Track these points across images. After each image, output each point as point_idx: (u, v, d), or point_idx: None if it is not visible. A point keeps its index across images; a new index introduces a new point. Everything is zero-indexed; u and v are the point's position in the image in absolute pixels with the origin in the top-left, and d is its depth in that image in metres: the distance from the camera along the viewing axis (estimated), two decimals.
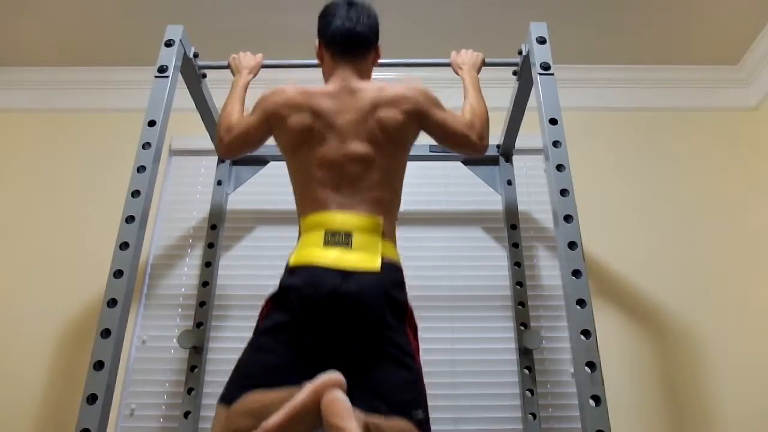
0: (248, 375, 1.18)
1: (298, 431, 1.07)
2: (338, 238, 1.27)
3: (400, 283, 1.30)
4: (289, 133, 1.41)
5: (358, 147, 1.36)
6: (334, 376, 1.10)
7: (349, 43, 1.46)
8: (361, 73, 1.48)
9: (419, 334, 1.35)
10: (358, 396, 1.12)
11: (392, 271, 1.29)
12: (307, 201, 1.37)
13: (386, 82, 1.45)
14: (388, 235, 1.34)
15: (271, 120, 1.44)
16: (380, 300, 1.23)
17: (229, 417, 1.13)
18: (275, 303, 1.27)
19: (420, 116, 1.44)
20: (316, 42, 1.53)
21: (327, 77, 1.51)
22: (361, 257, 1.25)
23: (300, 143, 1.39)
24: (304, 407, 1.06)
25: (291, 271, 1.27)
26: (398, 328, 1.25)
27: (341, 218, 1.30)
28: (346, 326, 1.20)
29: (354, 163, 1.35)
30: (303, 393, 1.07)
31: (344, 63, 1.47)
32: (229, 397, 1.15)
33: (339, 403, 1.05)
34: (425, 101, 1.45)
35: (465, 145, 1.51)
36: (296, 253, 1.30)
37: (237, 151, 1.54)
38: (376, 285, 1.24)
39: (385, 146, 1.39)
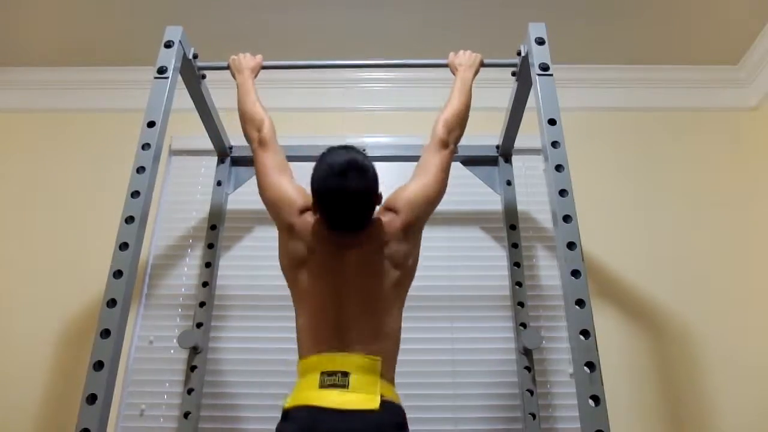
0: None
1: None
2: (335, 379, 1.23)
3: (401, 425, 1.25)
4: (288, 255, 1.41)
5: (358, 286, 1.33)
6: None
7: (347, 227, 1.36)
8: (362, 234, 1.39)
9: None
10: None
11: (393, 411, 1.25)
12: (305, 341, 1.33)
13: (380, 211, 1.42)
14: (386, 375, 1.30)
15: (275, 219, 1.46)
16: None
17: None
18: None
19: (420, 222, 1.45)
20: (309, 191, 1.38)
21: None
22: (360, 397, 1.21)
23: (295, 267, 1.38)
24: None
25: (286, 414, 1.23)
26: None
27: (337, 359, 1.26)
28: None
29: (352, 302, 1.32)
30: None
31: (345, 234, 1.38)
32: None
33: None
34: (418, 210, 1.43)
35: (441, 174, 1.51)
36: (291, 396, 1.26)
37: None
38: (377, 425, 1.20)
39: (388, 281, 1.36)
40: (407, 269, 1.42)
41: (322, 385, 1.22)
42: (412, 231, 1.43)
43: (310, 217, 1.40)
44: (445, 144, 1.54)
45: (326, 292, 1.33)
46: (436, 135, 1.55)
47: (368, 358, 1.27)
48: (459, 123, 1.58)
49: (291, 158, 1.64)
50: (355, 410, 1.19)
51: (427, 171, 1.50)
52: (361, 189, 1.31)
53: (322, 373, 1.24)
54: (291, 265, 1.40)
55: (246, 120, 1.60)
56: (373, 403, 1.21)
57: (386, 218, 1.41)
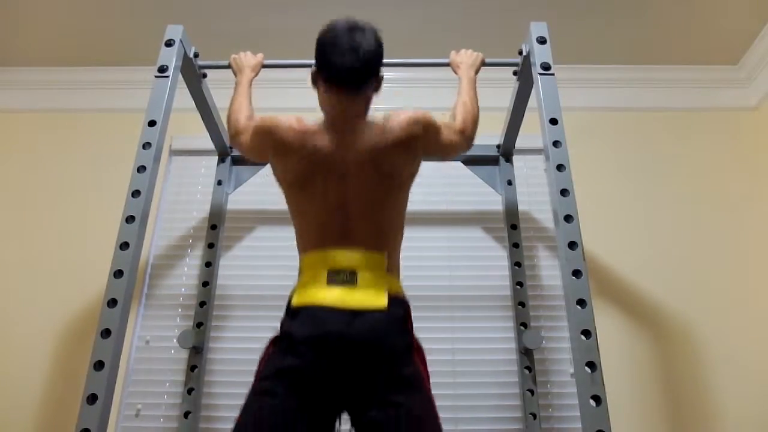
0: (254, 424, 1.16)
1: None
2: (342, 277, 1.24)
3: (407, 318, 1.28)
4: (284, 172, 1.39)
5: (360, 187, 1.33)
6: None
7: (347, 81, 1.33)
8: (359, 106, 1.38)
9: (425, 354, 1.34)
10: None
11: (399, 307, 1.27)
12: (308, 238, 1.34)
13: (384, 117, 1.41)
14: (392, 269, 1.32)
15: (268, 154, 1.42)
16: (390, 338, 1.21)
17: None
18: (278, 346, 1.24)
19: (423, 148, 1.43)
20: (313, 67, 1.40)
21: (323, 108, 1.42)
22: (367, 296, 1.22)
23: (294, 183, 1.37)
24: None
25: (294, 312, 1.24)
26: (409, 361, 1.23)
27: (344, 256, 1.26)
28: (356, 368, 1.18)
29: (355, 202, 1.32)
30: None
31: (342, 98, 1.36)
32: None
33: None
34: (427, 132, 1.42)
35: (458, 153, 1.55)
36: (298, 292, 1.26)
37: (248, 156, 1.54)
38: (385, 323, 1.21)
39: (389, 186, 1.36)
40: (405, 176, 1.41)
41: (330, 283, 1.23)
42: (411, 144, 1.39)
43: (298, 125, 1.38)
44: (464, 137, 1.54)
45: (326, 192, 1.33)
46: (463, 140, 1.53)
47: (374, 254, 1.28)
48: (476, 125, 1.58)
49: None
50: (363, 309, 1.21)
51: (451, 132, 1.51)
52: (364, 40, 1.31)
53: (329, 271, 1.25)
54: (289, 180, 1.38)
55: (229, 123, 1.58)
56: (380, 301, 1.22)
57: (389, 122, 1.39)
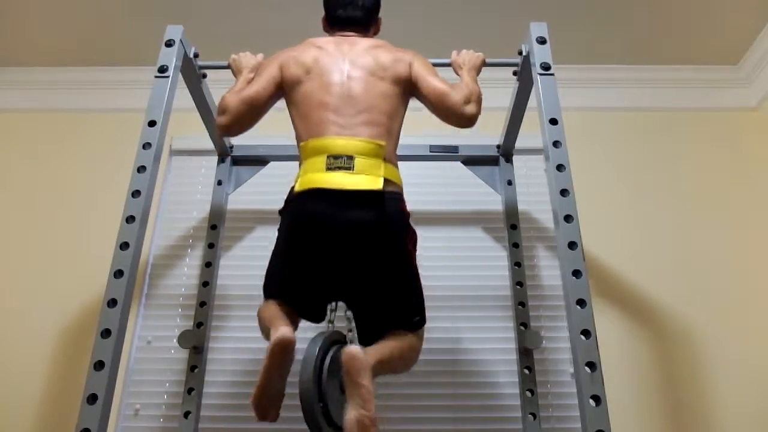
0: (271, 284, 1.41)
1: (276, 380, 1.19)
2: (341, 162, 1.32)
3: (400, 200, 1.38)
4: (290, 74, 1.48)
5: (359, 78, 1.45)
6: (284, 335, 1.16)
7: (348, 24, 1.59)
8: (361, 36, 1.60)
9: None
10: (365, 316, 1.36)
11: (394, 191, 1.36)
12: (308, 126, 1.41)
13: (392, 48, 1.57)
14: (389, 159, 1.40)
15: (272, 76, 1.51)
16: (384, 217, 1.32)
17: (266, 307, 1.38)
18: (283, 224, 1.41)
19: (413, 74, 1.52)
20: (323, 16, 1.66)
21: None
22: (364, 179, 1.31)
23: (298, 82, 1.47)
24: (270, 366, 1.16)
25: (296, 195, 1.34)
26: (402, 239, 1.37)
27: (343, 142, 1.35)
28: (349, 244, 1.29)
29: (354, 88, 1.42)
30: (265, 357, 1.16)
31: (346, 34, 1.59)
32: (265, 294, 1.42)
33: (357, 361, 1.12)
34: (420, 65, 1.54)
35: (455, 116, 1.51)
36: (300, 178, 1.36)
37: (242, 121, 1.50)
38: (380, 204, 1.31)
39: (385, 79, 1.47)
40: (400, 83, 1.50)
41: (329, 168, 1.32)
42: (409, 67, 1.53)
43: (299, 46, 1.56)
44: (463, 103, 1.51)
45: (327, 86, 1.44)
46: (467, 105, 1.52)
47: (372, 142, 1.37)
48: (478, 102, 1.57)
49: (290, 158, 1.65)
50: (359, 190, 1.30)
51: (455, 91, 1.52)
52: None
53: (329, 156, 1.33)
54: (292, 81, 1.48)
55: (219, 108, 1.54)
56: (376, 183, 1.32)
57: (393, 52, 1.55)
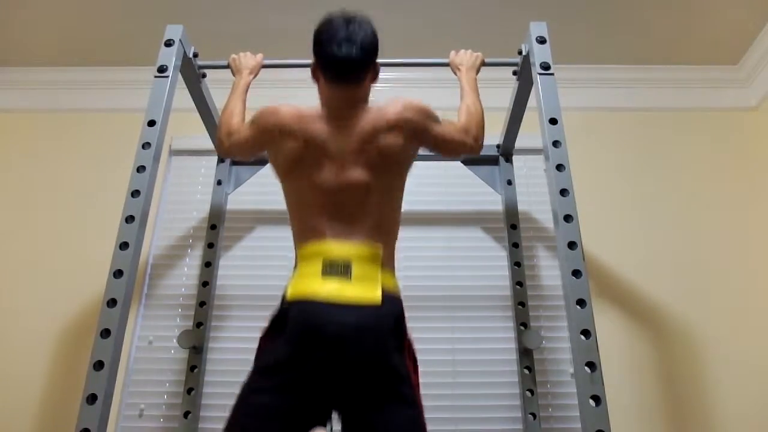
0: (246, 419, 1.17)
1: None
2: (337, 269, 1.23)
3: (400, 316, 1.28)
4: (282, 158, 1.38)
5: (357, 174, 1.33)
6: None
7: (344, 70, 1.37)
8: (357, 96, 1.41)
9: (419, 364, 1.35)
10: None
11: (392, 304, 1.27)
12: (304, 230, 1.33)
13: (381, 104, 1.41)
14: (387, 264, 1.31)
15: (265, 141, 1.42)
16: (382, 334, 1.21)
17: None
18: (272, 338, 1.24)
19: (419, 136, 1.42)
20: (312, 60, 1.43)
21: (322, 99, 1.44)
22: (361, 289, 1.22)
23: (292, 169, 1.37)
24: None
25: (288, 304, 1.23)
26: (400, 362, 1.24)
27: (339, 247, 1.27)
28: (348, 363, 1.18)
29: (352, 191, 1.32)
30: None
31: (340, 88, 1.39)
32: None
33: None
34: (423, 120, 1.42)
35: (462, 151, 1.52)
36: (293, 284, 1.25)
37: (236, 156, 1.56)
38: (378, 319, 1.21)
39: (385, 172, 1.36)
40: (402, 165, 1.41)
41: (325, 274, 1.23)
42: (408, 129, 1.40)
43: (291, 111, 1.39)
44: (468, 136, 1.51)
45: (323, 183, 1.33)
46: (468, 138, 1.51)
47: (370, 247, 1.28)
48: (482, 127, 1.57)
49: None
50: (358, 304, 1.20)
51: (455, 129, 1.50)
52: (361, 32, 1.35)
53: (324, 262, 1.24)
54: (285, 168, 1.38)
55: (221, 125, 1.56)
56: (374, 296, 1.22)
57: (386, 108, 1.40)
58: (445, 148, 1.49)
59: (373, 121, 1.37)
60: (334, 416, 1.24)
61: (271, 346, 1.24)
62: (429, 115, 1.44)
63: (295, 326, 1.20)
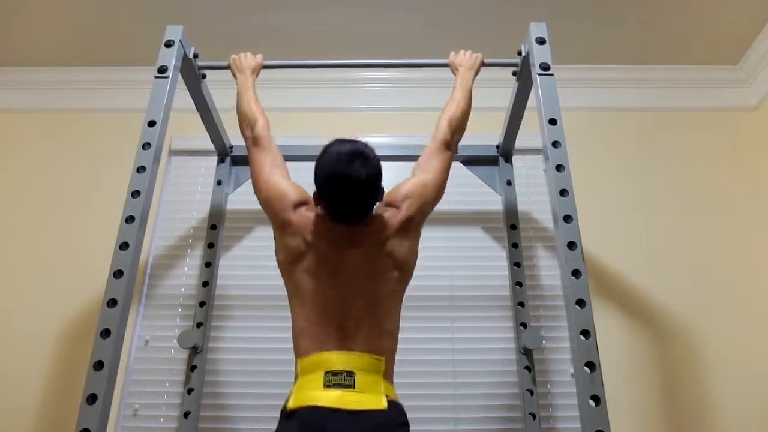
0: None
1: None
2: (340, 378, 1.22)
3: (405, 424, 1.26)
4: (285, 246, 1.39)
5: (360, 285, 1.32)
6: None
7: (351, 217, 1.35)
8: (363, 227, 1.38)
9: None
10: None
11: (398, 411, 1.25)
12: (304, 340, 1.31)
13: (382, 209, 1.41)
14: (388, 376, 1.30)
15: (270, 215, 1.44)
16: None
17: None
18: None
19: (424, 215, 1.45)
20: (314, 189, 1.37)
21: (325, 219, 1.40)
22: (366, 397, 1.21)
23: (294, 263, 1.36)
24: None
25: (290, 414, 1.20)
26: None
27: (342, 358, 1.25)
28: None
29: (354, 303, 1.31)
30: None
31: (346, 225, 1.37)
32: None
33: None
34: (421, 202, 1.44)
35: (449, 164, 1.54)
36: (294, 395, 1.23)
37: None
38: (387, 425, 1.20)
39: (390, 279, 1.36)
40: (407, 267, 1.42)
41: (327, 385, 1.21)
42: (412, 226, 1.42)
43: (307, 211, 1.39)
44: (448, 145, 1.55)
45: (326, 290, 1.32)
46: (439, 136, 1.55)
47: (372, 358, 1.27)
48: (462, 126, 1.59)
49: (290, 158, 1.64)
50: (363, 410, 1.18)
51: (428, 170, 1.50)
52: (366, 177, 1.29)
53: (327, 373, 1.22)
54: (288, 263, 1.38)
55: (241, 119, 1.61)
56: (380, 403, 1.21)
57: (387, 214, 1.41)
58: (440, 180, 1.50)
59: (378, 232, 1.37)
60: None
61: None
62: (421, 191, 1.45)
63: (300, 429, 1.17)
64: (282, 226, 1.40)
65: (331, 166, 1.30)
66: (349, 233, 1.36)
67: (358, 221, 1.36)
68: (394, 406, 1.24)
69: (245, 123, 1.58)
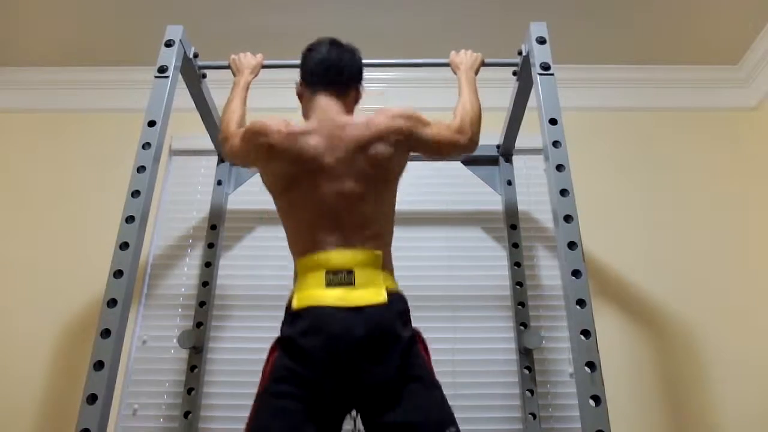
0: (272, 421, 1.17)
1: None
2: (340, 277, 1.25)
3: (407, 311, 1.31)
4: (273, 177, 1.40)
5: (349, 185, 1.33)
6: None
7: (330, 72, 1.45)
8: (343, 107, 1.45)
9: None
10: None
11: (399, 302, 1.29)
12: (302, 242, 1.34)
13: (369, 115, 1.41)
14: (386, 267, 1.33)
15: (255, 158, 1.43)
16: (394, 330, 1.23)
17: None
18: (282, 350, 1.24)
19: (410, 142, 1.43)
20: (298, 80, 1.53)
21: (307, 113, 1.47)
22: (367, 293, 1.24)
23: (285, 187, 1.37)
24: None
25: (295, 315, 1.24)
26: (415, 352, 1.26)
27: (340, 256, 1.28)
28: (365, 363, 1.19)
29: (346, 201, 1.33)
30: None
31: (326, 95, 1.44)
32: None
33: None
34: (412, 125, 1.43)
35: (455, 151, 1.51)
36: (297, 295, 1.26)
37: (232, 162, 1.60)
38: (388, 317, 1.24)
39: (377, 181, 1.37)
40: (392, 175, 1.42)
41: (329, 284, 1.25)
42: (401, 140, 1.40)
43: (282, 130, 1.38)
44: (461, 132, 1.51)
45: (317, 193, 1.33)
46: (455, 125, 1.51)
47: (369, 253, 1.30)
48: (478, 121, 1.56)
49: None
50: (364, 306, 1.22)
51: (449, 130, 1.49)
52: (345, 50, 1.50)
53: (327, 272, 1.26)
54: (278, 183, 1.39)
55: (222, 125, 1.60)
56: (380, 296, 1.24)
57: (377, 118, 1.40)
58: (438, 150, 1.49)
59: (361, 132, 1.37)
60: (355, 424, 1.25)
61: (284, 357, 1.23)
62: (418, 120, 1.45)
63: (306, 334, 1.21)
64: (268, 154, 1.38)
65: (312, 44, 1.53)
66: (332, 128, 1.38)
67: (338, 83, 1.46)
68: (395, 297, 1.28)
69: (221, 134, 1.59)
